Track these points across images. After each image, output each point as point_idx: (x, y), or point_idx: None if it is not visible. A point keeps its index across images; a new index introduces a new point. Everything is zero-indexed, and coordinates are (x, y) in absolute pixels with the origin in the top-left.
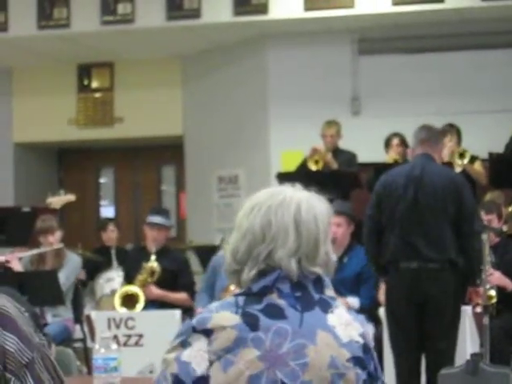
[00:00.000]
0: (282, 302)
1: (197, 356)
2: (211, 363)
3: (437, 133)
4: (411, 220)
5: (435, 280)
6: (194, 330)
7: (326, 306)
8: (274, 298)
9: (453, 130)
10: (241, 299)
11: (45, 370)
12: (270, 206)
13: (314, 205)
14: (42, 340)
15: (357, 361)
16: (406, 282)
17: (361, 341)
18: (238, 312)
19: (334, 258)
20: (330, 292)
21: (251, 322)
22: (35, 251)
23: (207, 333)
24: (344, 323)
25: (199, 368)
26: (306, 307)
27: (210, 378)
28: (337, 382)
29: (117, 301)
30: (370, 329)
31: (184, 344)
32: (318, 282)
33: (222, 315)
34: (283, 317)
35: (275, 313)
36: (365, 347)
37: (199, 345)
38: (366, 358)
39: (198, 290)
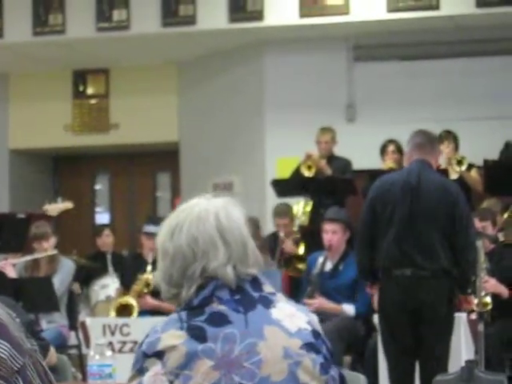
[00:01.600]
0: (223, 308)
1: (156, 380)
2: (171, 383)
3: (433, 138)
4: (406, 228)
5: (428, 287)
6: (146, 356)
7: (268, 302)
8: (214, 306)
9: (450, 136)
10: (183, 314)
11: (36, 376)
12: (191, 223)
13: (230, 210)
14: (33, 345)
15: (309, 347)
16: (400, 289)
17: (309, 328)
18: (184, 327)
19: (257, 250)
20: (268, 288)
21: (198, 335)
22: (29, 257)
23: (159, 355)
24: (289, 314)
25: None
26: (248, 308)
27: None
28: (295, 371)
29: (112, 313)
30: (314, 317)
31: (141, 371)
32: (255, 281)
33: (169, 334)
34: (228, 322)
35: (219, 320)
36: (314, 333)
37: (155, 368)
38: (317, 343)
39: None
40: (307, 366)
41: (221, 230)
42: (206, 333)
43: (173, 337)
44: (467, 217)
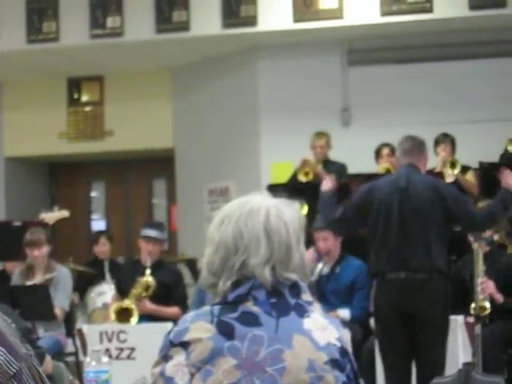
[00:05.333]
0: (256, 310)
1: (178, 370)
2: (192, 375)
3: (421, 143)
4: (398, 232)
5: (423, 290)
6: (172, 344)
7: (302, 311)
8: (249, 305)
9: (447, 139)
10: (216, 308)
11: (32, 381)
12: (240, 217)
13: (282, 211)
14: (28, 350)
15: (335, 363)
16: (394, 292)
17: (338, 344)
18: (213, 321)
19: (307, 260)
20: (306, 297)
21: (226, 331)
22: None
23: (184, 345)
24: (320, 327)
25: (182, 382)
26: (281, 313)
27: None
28: None
29: (112, 316)
30: (346, 333)
31: (166, 358)
32: (295, 288)
33: (197, 326)
34: (258, 324)
35: (250, 320)
36: (342, 350)
37: (179, 358)
38: (343, 361)
39: (189, 303)
40: (329, 383)
41: (267, 228)
42: (234, 330)
43: (201, 329)
44: (462, 199)
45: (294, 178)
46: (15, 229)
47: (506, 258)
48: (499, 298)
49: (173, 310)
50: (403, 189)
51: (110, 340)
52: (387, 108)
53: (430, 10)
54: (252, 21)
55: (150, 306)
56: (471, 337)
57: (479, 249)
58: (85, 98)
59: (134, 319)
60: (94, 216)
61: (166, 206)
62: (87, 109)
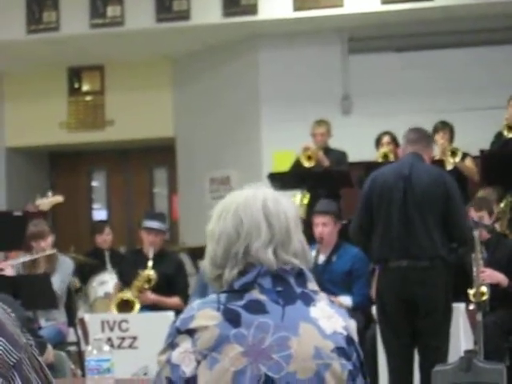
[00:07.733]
0: (263, 298)
1: (185, 357)
2: (198, 363)
3: (426, 135)
4: (400, 219)
5: (425, 278)
6: (179, 331)
7: (309, 300)
8: (255, 293)
9: (446, 127)
10: (222, 296)
11: (32, 371)
12: (238, 207)
13: (279, 199)
14: (28, 340)
15: (341, 352)
16: (396, 280)
17: (344, 333)
18: (220, 308)
19: (307, 246)
20: (312, 286)
21: (233, 319)
22: (28, 257)
23: (191, 333)
24: (327, 316)
25: (188, 369)
26: (287, 301)
27: (197, 377)
28: (323, 373)
29: (113, 308)
30: (352, 323)
31: (172, 345)
32: (300, 276)
33: (204, 313)
34: (265, 311)
35: (257, 308)
36: (348, 339)
37: (185, 345)
38: (349, 349)
39: (191, 293)
40: (336, 370)
41: (266, 213)
42: (240, 318)
43: (207, 317)
44: (460, 209)
45: (296, 165)
46: (16, 219)
47: (508, 245)
48: (503, 279)
49: (174, 300)
50: (406, 176)
51: (111, 329)
52: (387, 96)
53: None
54: (252, 9)
55: (151, 296)
56: (473, 324)
57: (478, 235)
58: (85, 87)
59: (135, 311)
60: (95, 206)
61: (167, 195)
62: (88, 98)
